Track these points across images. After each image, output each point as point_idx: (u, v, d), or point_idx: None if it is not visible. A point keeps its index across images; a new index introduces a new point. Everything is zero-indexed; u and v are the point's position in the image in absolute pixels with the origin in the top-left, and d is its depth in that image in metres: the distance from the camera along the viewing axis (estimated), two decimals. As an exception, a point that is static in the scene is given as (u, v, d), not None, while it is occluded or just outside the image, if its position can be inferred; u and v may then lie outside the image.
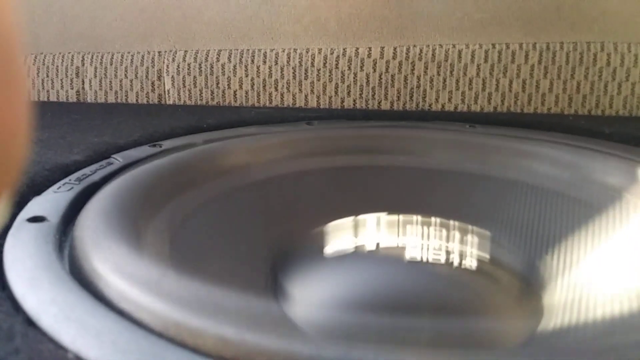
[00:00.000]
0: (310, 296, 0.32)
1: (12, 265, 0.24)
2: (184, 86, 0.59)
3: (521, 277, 0.33)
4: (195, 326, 0.19)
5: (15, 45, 0.12)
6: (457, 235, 0.36)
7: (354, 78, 0.56)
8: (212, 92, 0.58)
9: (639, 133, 0.45)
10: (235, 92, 0.58)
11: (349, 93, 0.56)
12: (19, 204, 0.31)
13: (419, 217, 0.37)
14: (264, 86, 0.57)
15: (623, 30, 0.53)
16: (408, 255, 0.35)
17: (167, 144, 0.43)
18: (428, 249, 0.35)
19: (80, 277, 0.23)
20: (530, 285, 0.32)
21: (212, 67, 0.58)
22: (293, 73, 0.57)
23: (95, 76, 0.61)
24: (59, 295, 0.21)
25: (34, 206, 0.30)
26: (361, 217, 0.38)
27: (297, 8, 0.56)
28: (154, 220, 0.31)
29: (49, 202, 0.31)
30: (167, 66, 0.59)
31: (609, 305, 0.28)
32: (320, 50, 0.56)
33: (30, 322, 0.20)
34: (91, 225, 0.27)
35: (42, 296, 0.21)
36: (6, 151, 0.12)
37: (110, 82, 0.60)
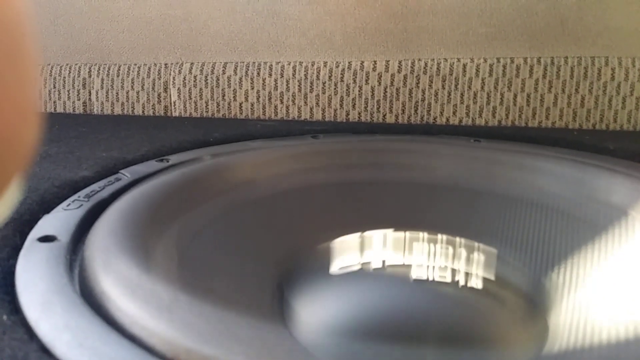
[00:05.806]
0: (316, 316, 0.32)
1: (24, 288, 0.24)
2: (190, 98, 0.59)
3: (527, 297, 0.34)
4: (206, 354, 0.20)
5: (22, 27, 0.12)
6: (464, 253, 0.36)
7: (359, 91, 0.56)
8: (218, 105, 0.59)
9: (643, 149, 0.45)
10: (241, 104, 0.58)
11: (354, 106, 0.57)
12: (29, 222, 0.31)
13: (425, 234, 0.38)
14: (270, 99, 0.58)
15: (627, 44, 0.53)
16: (414, 274, 0.35)
17: (174, 158, 0.43)
18: (434, 267, 0.35)
19: (92, 300, 0.24)
20: (535, 305, 0.33)
21: (218, 79, 0.58)
22: (299, 86, 0.57)
23: (102, 87, 0.61)
24: (72, 320, 0.21)
25: (45, 224, 0.31)
26: (367, 233, 0.38)
27: (303, 22, 0.56)
28: (162, 239, 0.31)
29: (59, 221, 0.31)
30: (174, 78, 0.59)
31: (613, 327, 0.29)
32: (325, 63, 0.57)
33: (44, 350, 0.20)
34: (100, 245, 0.27)
35: (56, 322, 0.21)
36: (16, 137, 0.11)
37: (117, 93, 0.61)
